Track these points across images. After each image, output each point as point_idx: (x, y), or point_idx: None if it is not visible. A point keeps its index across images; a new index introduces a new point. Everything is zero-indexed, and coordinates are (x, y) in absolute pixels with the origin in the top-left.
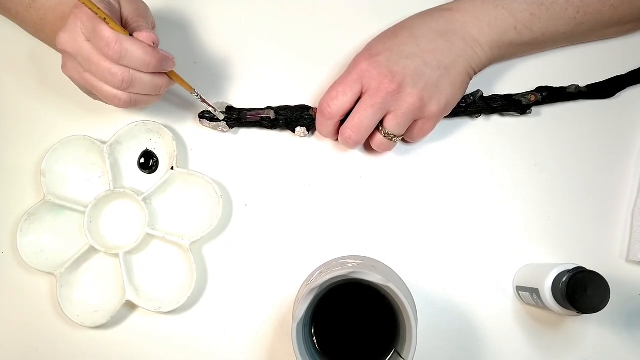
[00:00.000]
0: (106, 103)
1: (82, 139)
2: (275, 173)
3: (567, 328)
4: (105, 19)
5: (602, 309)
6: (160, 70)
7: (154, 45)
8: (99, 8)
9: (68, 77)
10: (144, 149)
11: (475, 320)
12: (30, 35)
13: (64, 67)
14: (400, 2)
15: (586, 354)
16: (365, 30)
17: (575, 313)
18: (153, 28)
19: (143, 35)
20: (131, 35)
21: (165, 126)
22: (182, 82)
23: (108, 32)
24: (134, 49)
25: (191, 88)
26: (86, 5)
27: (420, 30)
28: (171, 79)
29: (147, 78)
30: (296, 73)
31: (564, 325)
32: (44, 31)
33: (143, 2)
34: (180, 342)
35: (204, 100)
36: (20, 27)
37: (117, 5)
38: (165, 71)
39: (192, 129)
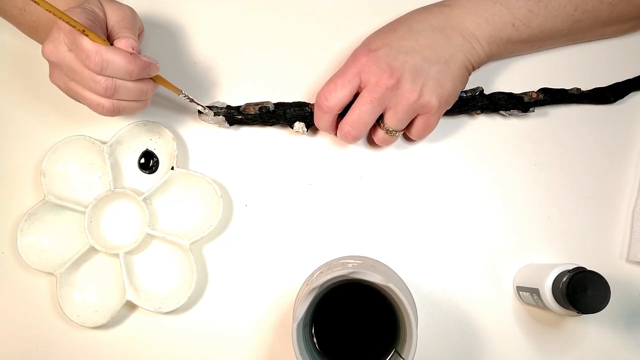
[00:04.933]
0: (94, 111)
1: (82, 139)
2: (276, 173)
3: (567, 328)
4: (83, 31)
5: (602, 309)
6: (144, 76)
7: (134, 52)
8: (76, 21)
9: (55, 85)
10: (144, 149)
11: (475, 320)
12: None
13: (50, 76)
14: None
15: (586, 354)
16: (362, 28)
17: (575, 313)
18: (141, 33)
19: (122, 43)
20: (113, 43)
21: (165, 126)
22: (168, 84)
23: (88, 45)
24: (116, 59)
25: (178, 90)
26: (63, 20)
27: (419, 25)
28: (156, 83)
29: (131, 84)
30: (295, 74)
31: (564, 325)
32: (39, 33)
33: (129, 8)
34: (180, 342)
35: (192, 100)
36: (17, 28)
37: (101, 14)
38: (149, 76)
39: (192, 129)
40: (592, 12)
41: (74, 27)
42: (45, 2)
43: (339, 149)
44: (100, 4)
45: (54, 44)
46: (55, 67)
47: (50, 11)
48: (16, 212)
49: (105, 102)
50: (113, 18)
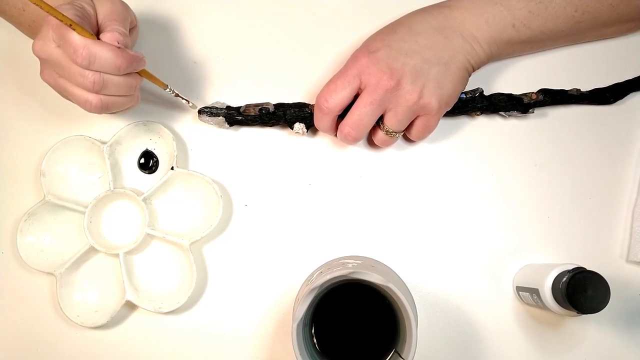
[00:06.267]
0: (82, 108)
1: (82, 139)
2: (276, 173)
3: (567, 328)
4: (71, 25)
5: (602, 309)
6: (131, 70)
7: (120, 45)
8: (63, 15)
9: (45, 82)
10: (144, 149)
11: (475, 320)
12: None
13: (41, 73)
14: (397, 0)
15: (586, 354)
16: (362, 28)
17: (575, 313)
18: (133, 28)
19: (107, 37)
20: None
21: (165, 126)
22: (154, 79)
23: (75, 39)
24: (103, 53)
25: (164, 84)
26: (50, 13)
27: (419, 26)
28: (142, 77)
29: (119, 79)
30: (295, 74)
31: (564, 325)
32: (37, 33)
33: (121, 2)
34: (180, 342)
35: (178, 95)
36: (17, 28)
37: (91, 9)
38: (136, 70)
39: (192, 129)
40: (592, 13)
41: (61, 20)
42: None
43: (339, 149)
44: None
45: (43, 41)
46: (45, 64)
47: (38, 5)
48: (16, 212)
49: (93, 97)
50: (102, 11)
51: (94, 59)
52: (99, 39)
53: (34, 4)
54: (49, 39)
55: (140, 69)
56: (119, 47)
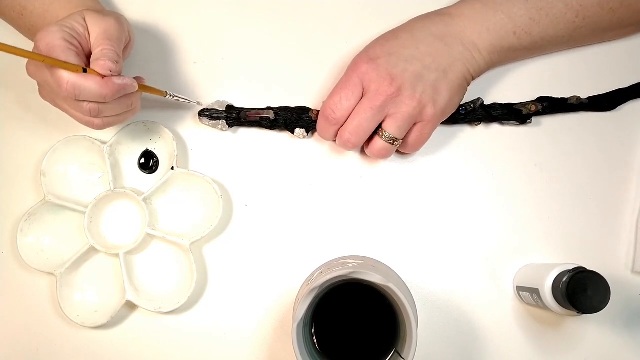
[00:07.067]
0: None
1: (83, 139)
2: (276, 173)
3: (567, 328)
4: (52, 66)
5: (602, 309)
6: (120, 96)
7: (111, 74)
8: (44, 57)
9: (45, 101)
10: (144, 149)
11: (475, 320)
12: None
13: (39, 92)
14: (400, 4)
15: (586, 354)
16: (364, 32)
17: (575, 313)
18: (129, 42)
19: (98, 65)
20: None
21: (165, 126)
22: (152, 90)
23: (58, 73)
24: (87, 85)
25: (163, 92)
26: (33, 59)
27: (420, 33)
28: (139, 91)
29: (112, 104)
30: (296, 74)
31: (564, 325)
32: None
33: (113, 20)
34: (180, 342)
35: (179, 99)
36: (17, 31)
37: (81, 28)
38: (126, 94)
39: (192, 129)
40: (592, 18)
41: (43, 61)
42: (4, 44)
43: (339, 150)
44: (83, 18)
45: (35, 65)
46: (42, 86)
47: (14, 54)
48: (16, 212)
49: (94, 120)
50: (95, 30)
51: (79, 92)
52: (89, 61)
53: (6, 52)
54: (41, 64)
55: (130, 92)
56: (105, 77)
